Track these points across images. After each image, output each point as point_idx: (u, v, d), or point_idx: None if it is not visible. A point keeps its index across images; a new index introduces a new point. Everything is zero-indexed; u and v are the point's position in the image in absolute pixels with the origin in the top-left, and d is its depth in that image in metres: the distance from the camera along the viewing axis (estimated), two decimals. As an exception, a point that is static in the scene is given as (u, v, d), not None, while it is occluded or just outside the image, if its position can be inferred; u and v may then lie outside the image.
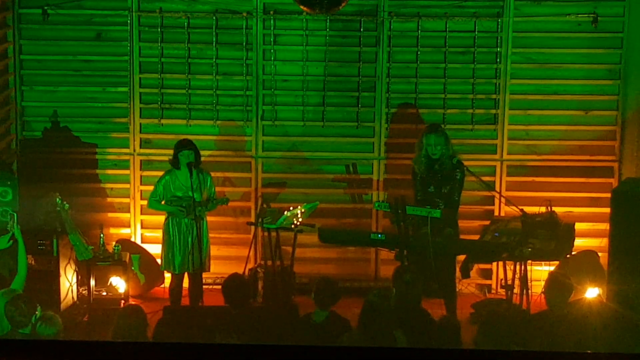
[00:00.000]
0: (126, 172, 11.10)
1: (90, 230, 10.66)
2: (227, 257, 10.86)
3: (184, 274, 9.88)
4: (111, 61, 10.98)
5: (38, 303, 7.97)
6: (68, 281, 10.10)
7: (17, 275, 8.74)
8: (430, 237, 9.24)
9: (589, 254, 10.51)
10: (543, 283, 8.90)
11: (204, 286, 10.07)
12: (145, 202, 10.79)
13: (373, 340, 7.33)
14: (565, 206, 10.81)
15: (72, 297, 10.20)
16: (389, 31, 10.85)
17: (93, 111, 11.07)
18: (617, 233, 9.63)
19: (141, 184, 11.06)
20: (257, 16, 10.84)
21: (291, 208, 9.92)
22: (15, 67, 10.97)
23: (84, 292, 10.24)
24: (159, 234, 10.24)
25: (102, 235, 10.22)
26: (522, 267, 9.64)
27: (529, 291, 9.66)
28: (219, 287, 8.74)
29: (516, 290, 9.71)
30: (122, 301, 9.94)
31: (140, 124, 11.07)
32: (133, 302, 9.90)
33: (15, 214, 9.40)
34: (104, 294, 10.05)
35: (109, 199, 11.16)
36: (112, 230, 11.05)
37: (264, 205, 10.19)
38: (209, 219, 10.01)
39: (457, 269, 9.85)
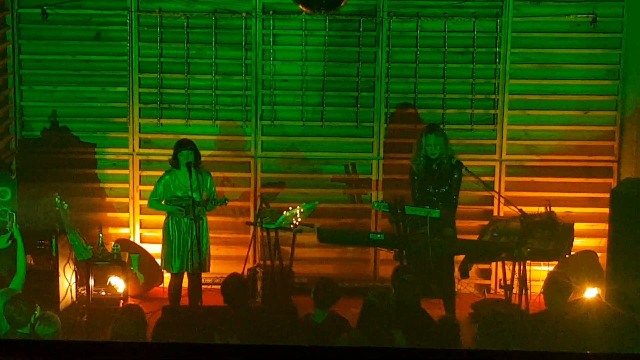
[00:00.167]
0: (125, 172, 11.10)
1: (90, 230, 10.66)
2: (226, 257, 10.85)
3: (183, 273, 9.88)
4: (110, 61, 10.98)
5: (37, 303, 7.95)
6: (67, 281, 10.09)
7: (16, 275, 8.74)
8: (429, 237, 9.24)
9: (588, 254, 10.52)
10: (542, 283, 8.90)
11: (203, 286, 10.06)
12: (144, 202, 10.79)
13: (372, 340, 7.33)
14: (564, 206, 10.81)
15: (71, 297, 10.19)
16: (388, 31, 10.85)
17: (92, 111, 11.07)
18: (616, 233, 9.65)
19: (140, 184, 11.06)
20: (256, 16, 10.84)
21: (290, 208, 9.92)
22: (14, 67, 10.96)
23: (83, 292, 10.24)
24: (158, 233, 10.24)
25: (101, 235, 10.22)
26: (521, 267, 9.65)
27: (528, 291, 9.67)
28: (218, 287, 8.73)
29: (515, 290, 9.73)
30: (121, 301, 9.93)
31: (140, 123, 11.07)
32: (132, 302, 9.88)
33: (14, 214, 9.39)
34: (103, 293, 10.04)
35: (108, 199, 11.16)
36: (111, 230, 11.05)
37: (263, 205, 10.19)
38: (209, 218, 10.00)
39: (456, 269, 9.85)
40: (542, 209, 9.94)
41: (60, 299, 9.95)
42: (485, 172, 10.84)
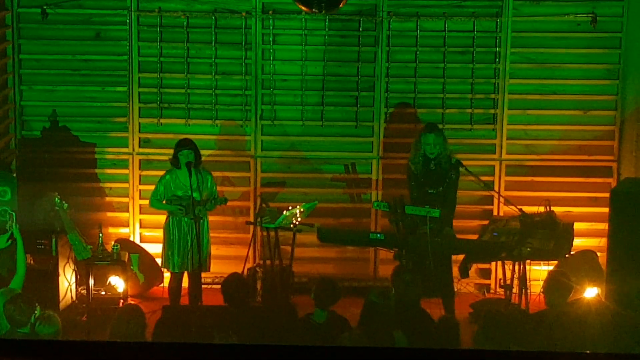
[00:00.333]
0: (125, 171, 11.10)
1: (89, 230, 10.66)
2: (226, 257, 10.85)
3: (183, 273, 9.87)
4: (110, 60, 10.98)
5: (37, 302, 7.96)
6: (67, 281, 10.09)
7: (16, 275, 8.74)
8: (429, 237, 9.24)
9: (588, 254, 10.52)
10: (542, 283, 8.89)
11: (203, 285, 10.06)
12: (144, 202, 10.80)
13: (373, 339, 7.33)
14: (564, 206, 10.81)
15: (71, 297, 10.19)
16: (387, 31, 10.85)
17: (92, 110, 11.07)
18: (616, 233, 9.64)
19: (140, 184, 11.06)
20: (256, 16, 10.84)
21: (290, 207, 9.93)
22: (14, 67, 10.96)
23: (82, 291, 10.24)
24: (158, 233, 10.24)
25: (101, 234, 10.22)
26: (521, 266, 9.64)
27: (528, 291, 9.66)
28: (218, 286, 8.73)
29: (515, 290, 9.72)
30: (121, 301, 9.93)
31: (140, 123, 11.06)
32: (132, 302, 9.90)
33: (14, 213, 9.40)
34: (103, 293, 10.04)
35: (108, 199, 11.16)
36: (111, 230, 11.05)
37: (263, 205, 10.19)
38: (209, 218, 10.00)
39: (456, 269, 9.85)
40: (541, 209, 9.93)
41: (60, 298, 9.94)
42: (485, 172, 10.84)
